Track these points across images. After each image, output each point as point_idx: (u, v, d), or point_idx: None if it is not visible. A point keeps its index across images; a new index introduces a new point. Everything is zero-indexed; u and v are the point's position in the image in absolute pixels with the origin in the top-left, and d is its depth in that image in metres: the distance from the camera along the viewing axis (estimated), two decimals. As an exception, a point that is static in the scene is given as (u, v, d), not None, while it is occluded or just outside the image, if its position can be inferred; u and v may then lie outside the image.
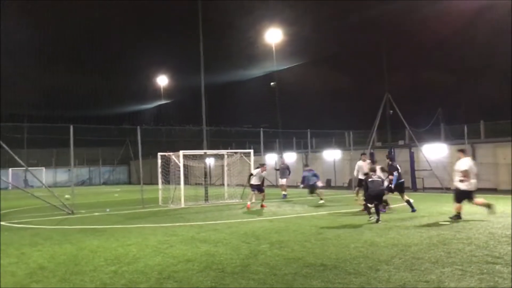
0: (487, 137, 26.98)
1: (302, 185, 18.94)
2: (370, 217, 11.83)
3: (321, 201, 17.86)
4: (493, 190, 24.76)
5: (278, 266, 6.95)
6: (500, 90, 30.40)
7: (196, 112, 22.51)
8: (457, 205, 11.91)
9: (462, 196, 11.76)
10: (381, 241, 8.88)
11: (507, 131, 25.95)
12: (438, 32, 31.28)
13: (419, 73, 35.75)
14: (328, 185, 30.20)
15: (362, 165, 16.18)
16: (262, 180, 17.60)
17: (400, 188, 14.33)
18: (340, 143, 33.42)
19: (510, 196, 20.79)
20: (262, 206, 16.81)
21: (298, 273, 6.46)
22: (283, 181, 21.97)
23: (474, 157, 26.42)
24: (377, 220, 11.50)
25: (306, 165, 21.04)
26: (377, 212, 11.73)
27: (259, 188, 17.34)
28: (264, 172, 17.56)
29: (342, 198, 20.65)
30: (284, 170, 22.26)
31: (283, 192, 21.38)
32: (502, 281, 5.75)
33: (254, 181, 17.29)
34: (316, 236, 9.75)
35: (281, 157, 29.66)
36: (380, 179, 12.35)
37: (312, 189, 18.31)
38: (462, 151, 12.36)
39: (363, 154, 17.30)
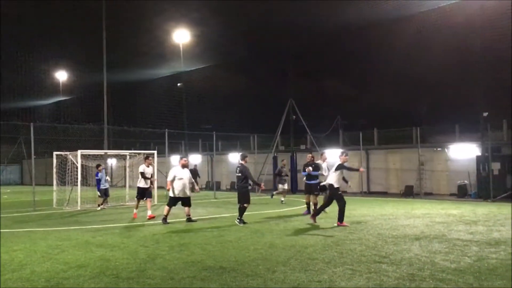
0: (380, 143, 28.93)
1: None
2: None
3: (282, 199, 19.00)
4: (384, 193, 26.60)
5: (176, 270, 6.83)
6: (392, 101, 32.79)
7: (98, 110, 21.54)
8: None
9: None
10: (280, 242, 9.10)
11: (396, 139, 28.07)
12: (343, 43, 33.02)
13: (321, 81, 37.42)
14: (232, 187, 30.42)
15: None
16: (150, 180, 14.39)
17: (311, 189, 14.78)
18: (245, 146, 33.87)
19: (398, 199, 22.46)
20: (149, 217, 13.58)
21: (196, 277, 6.39)
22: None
23: (367, 162, 28.24)
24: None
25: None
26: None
27: (142, 193, 14.15)
28: (150, 167, 14.53)
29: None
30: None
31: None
32: (387, 279, 6.14)
33: (142, 183, 14.16)
34: (217, 238, 9.75)
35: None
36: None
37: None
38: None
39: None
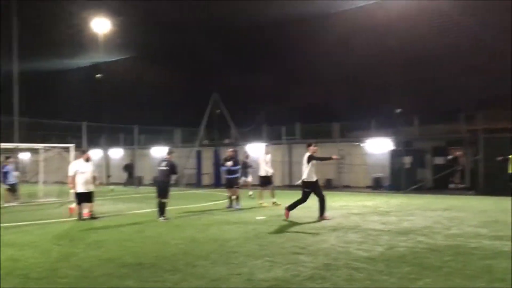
0: (302, 138, 29.68)
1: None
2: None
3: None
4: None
5: (92, 268, 6.57)
6: (314, 97, 33.73)
7: (6, 101, 20.12)
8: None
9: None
10: (202, 237, 9.06)
11: (318, 133, 28.93)
12: (267, 38, 33.37)
13: (246, 76, 37.64)
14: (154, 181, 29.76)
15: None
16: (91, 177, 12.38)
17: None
18: (168, 140, 33.31)
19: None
20: (84, 215, 12.26)
21: (112, 274, 6.19)
22: None
23: (290, 156, 28.88)
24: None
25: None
26: None
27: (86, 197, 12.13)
28: (90, 161, 12.58)
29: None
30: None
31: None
32: (303, 269, 6.31)
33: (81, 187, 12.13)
34: (136, 234, 9.51)
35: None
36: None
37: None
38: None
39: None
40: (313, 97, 32.56)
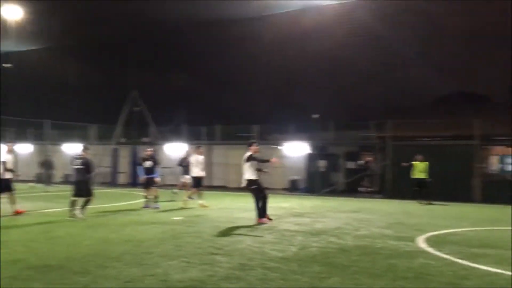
0: (222, 139, 29.77)
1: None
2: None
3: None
4: (224, 188, 27.49)
5: (-7, 270, 6.13)
6: (235, 99, 34.02)
7: None
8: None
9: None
10: (115, 237, 8.80)
11: (238, 135, 29.19)
12: (190, 38, 33.10)
13: (167, 75, 37.05)
14: (67, 180, 28.28)
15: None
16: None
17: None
18: (83, 137, 31.89)
19: (237, 193, 23.39)
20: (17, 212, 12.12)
21: (16, 277, 5.82)
22: None
23: (210, 157, 28.84)
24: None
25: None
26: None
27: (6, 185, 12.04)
28: (10, 155, 12.41)
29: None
30: None
31: None
32: (219, 269, 6.35)
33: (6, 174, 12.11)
34: (44, 234, 9.02)
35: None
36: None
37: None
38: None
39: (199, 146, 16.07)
40: (234, 99, 32.83)
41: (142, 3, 25.71)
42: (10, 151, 12.55)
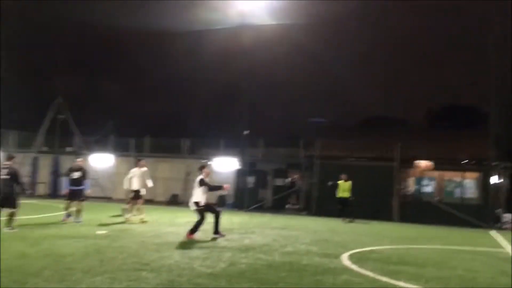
0: (152, 151, 29.17)
1: None
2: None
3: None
4: (150, 201, 26.85)
5: None
6: (166, 111, 33.59)
7: None
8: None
9: None
10: (33, 252, 8.30)
11: (166, 148, 28.77)
12: (120, 46, 32.32)
13: (95, 83, 35.90)
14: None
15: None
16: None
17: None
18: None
19: (164, 207, 23.00)
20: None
21: None
22: None
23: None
24: None
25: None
26: None
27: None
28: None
29: None
30: None
31: None
32: (146, 286, 6.19)
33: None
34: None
35: None
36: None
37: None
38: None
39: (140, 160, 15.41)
40: (165, 112, 32.44)
41: (77, 4, 24.86)
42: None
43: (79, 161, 14.54)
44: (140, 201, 14.81)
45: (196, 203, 11.33)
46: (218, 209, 11.99)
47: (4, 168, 11.00)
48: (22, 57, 33.49)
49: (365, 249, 10.62)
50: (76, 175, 13.86)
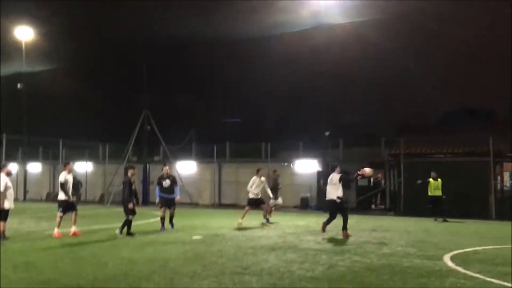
0: (231, 157, 29.79)
1: None
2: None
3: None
4: (234, 206, 27.39)
5: (26, 291, 6.13)
6: (244, 117, 34.16)
7: None
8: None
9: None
10: (139, 257, 8.78)
11: (247, 153, 29.25)
12: (196, 59, 33.42)
13: (175, 95, 37.38)
14: (78, 199, 28.29)
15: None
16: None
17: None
18: (93, 156, 32.02)
19: (250, 211, 23.32)
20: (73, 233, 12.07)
21: (51, 298, 5.82)
22: None
23: (219, 175, 28.83)
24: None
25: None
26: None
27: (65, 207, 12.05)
28: (71, 174, 12.41)
29: (93, 214, 19.71)
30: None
31: None
32: (251, 289, 6.33)
33: (62, 195, 12.01)
34: (69, 255, 9.01)
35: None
36: None
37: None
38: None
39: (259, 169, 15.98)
40: (242, 117, 32.98)
41: (153, 23, 26.05)
42: (70, 171, 12.36)
43: (166, 168, 14.43)
44: (265, 206, 15.86)
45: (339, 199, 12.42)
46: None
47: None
48: (111, 74, 35.69)
49: (466, 250, 10.10)
50: (167, 183, 13.95)
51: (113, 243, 10.71)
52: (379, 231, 13.71)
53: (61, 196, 11.97)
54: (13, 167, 31.68)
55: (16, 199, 28.21)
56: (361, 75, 27.02)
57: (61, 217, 11.92)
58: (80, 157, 31.41)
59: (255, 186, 15.38)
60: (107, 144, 30.69)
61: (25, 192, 31.05)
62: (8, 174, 11.61)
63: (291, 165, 27.15)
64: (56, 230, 11.80)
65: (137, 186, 28.37)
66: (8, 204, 11.26)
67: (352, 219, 18.16)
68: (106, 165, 28.67)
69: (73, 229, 12.08)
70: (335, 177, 12.54)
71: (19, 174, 31.28)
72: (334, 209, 12.61)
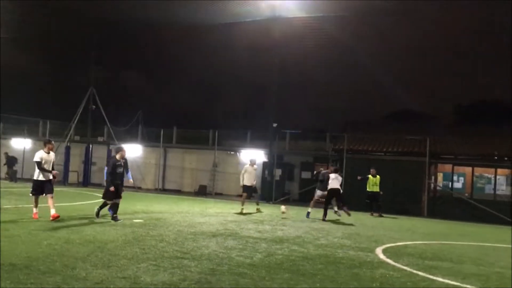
0: (178, 142, 29.57)
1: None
2: None
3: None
4: (178, 191, 27.27)
5: (-47, 268, 5.88)
6: (192, 103, 33.90)
7: None
8: None
9: None
10: (77, 238, 8.60)
11: (194, 139, 29.12)
12: (148, 40, 32.68)
13: (124, 74, 36.44)
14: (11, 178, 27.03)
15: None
16: None
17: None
18: (32, 132, 30.74)
19: (192, 197, 23.32)
20: (52, 217, 10.72)
21: (-20, 275, 5.62)
22: None
23: (165, 160, 28.53)
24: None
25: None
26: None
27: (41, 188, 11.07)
28: (51, 153, 11.27)
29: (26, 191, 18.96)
30: None
31: None
32: (190, 274, 6.37)
33: (39, 175, 11.00)
34: (3, 232, 8.68)
35: None
36: None
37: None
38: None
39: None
40: (193, 103, 32.72)
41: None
42: (50, 150, 11.15)
43: (119, 150, 12.71)
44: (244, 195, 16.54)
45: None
46: None
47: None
48: (56, 49, 34.24)
49: (398, 244, 10.64)
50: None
51: (50, 223, 10.40)
52: (318, 223, 14.13)
53: (39, 176, 10.95)
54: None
55: None
56: (316, 70, 27.45)
57: (36, 198, 11.05)
58: (19, 132, 30.08)
59: (247, 174, 16.30)
60: (48, 121, 29.54)
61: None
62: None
63: (237, 154, 27.30)
64: (34, 210, 11.02)
65: (76, 166, 27.69)
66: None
67: (293, 210, 18.66)
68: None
69: (52, 212, 10.81)
70: (332, 175, 15.46)
71: None
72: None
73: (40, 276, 5.77)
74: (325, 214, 15.15)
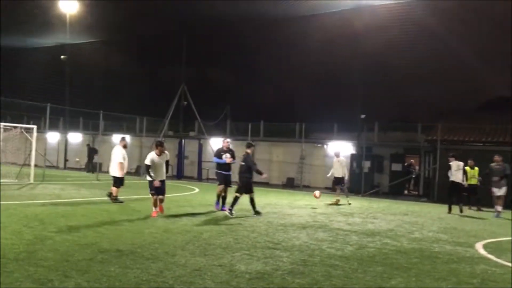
0: (265, 136, 29.93)
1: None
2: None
3: None
4: (266, 184, 27.67)
5: (70, 252, 6.51)
6: (278, 96, 34.12)
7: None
8: None
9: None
10: (175, 227, 9.11)
11: (280, 132, 29.30)
12: (238, 36, 33.42)
13: (212, 70, 37.58)
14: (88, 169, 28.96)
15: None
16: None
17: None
18: (130, 129, 32.82)
19: (280, 189, 23.57)
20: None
21: (93, 259, 6.17)
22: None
23: (253, 153, 29.06)
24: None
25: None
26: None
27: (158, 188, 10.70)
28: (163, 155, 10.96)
29: (131, 184, 20.30)
30: None
31: None
32: (282, 264, 6.51)
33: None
34: (109, 221, 9.44)
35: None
36: None
37: None
38: None
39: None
40: (279, 97, 32.94)
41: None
42: (161, 152, 10.87)
43: (226, 142, 12.72)
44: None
45: None
46: None
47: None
48: (149, 49, 36.16)
49: (500, 239, 10.01)
50: (227, 156, 12.28)
51: (150, 212, 11.09)
52: (410, 216, 13.68)
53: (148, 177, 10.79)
54: (55, 136, 32.92)
55: (57, 167, 29.40)
56: (402, 58, 26.34)
57: (155, 198, 10.74)
58: (118, 129, 32.25)
59: (334, 166, 17.13)
60: (145, 118, 31.34)
61: (65, 160, 32.17)
62: (125, 146, 13.40)
63: (324, 146, 27.10)
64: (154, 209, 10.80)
65: (171, 160, 29.12)
66: (122, 173, 13.07)
67: (384, 203, 18.21)
68: (143, 138, 29.30)
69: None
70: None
71: (60, 143, 32.45)
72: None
73: (144, 261, 6.22)
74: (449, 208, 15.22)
